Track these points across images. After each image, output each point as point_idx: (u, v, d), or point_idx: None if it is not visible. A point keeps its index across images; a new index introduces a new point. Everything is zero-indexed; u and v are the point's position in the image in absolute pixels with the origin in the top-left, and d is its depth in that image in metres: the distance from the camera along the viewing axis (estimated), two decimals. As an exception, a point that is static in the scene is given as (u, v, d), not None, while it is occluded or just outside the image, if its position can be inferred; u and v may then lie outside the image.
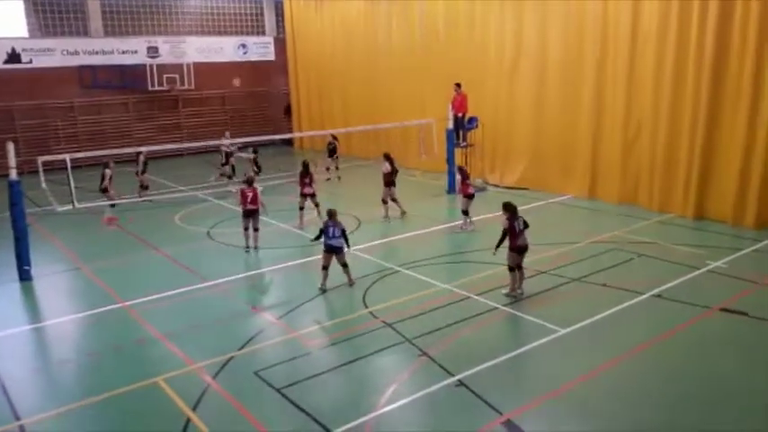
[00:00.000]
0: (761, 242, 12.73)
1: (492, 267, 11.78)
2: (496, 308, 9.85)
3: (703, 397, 7.28)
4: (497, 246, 10.23)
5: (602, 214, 15.69)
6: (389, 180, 15.64)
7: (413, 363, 8.22)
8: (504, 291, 10.36)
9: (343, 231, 10.81)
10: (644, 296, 10.09)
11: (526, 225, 10.23)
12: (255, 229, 13.29)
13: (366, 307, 10.12)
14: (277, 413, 7.21)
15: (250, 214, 13.19)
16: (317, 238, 11.06)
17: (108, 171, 16.33)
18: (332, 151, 21.19)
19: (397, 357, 8.44)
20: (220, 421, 7.05)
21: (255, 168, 19.54)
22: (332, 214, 10.92)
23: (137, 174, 18.88)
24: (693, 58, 14.30)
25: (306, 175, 15.17)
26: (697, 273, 11.10)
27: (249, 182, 13.34)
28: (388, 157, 15.90)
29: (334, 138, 21.40)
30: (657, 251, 12.35)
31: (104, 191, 16.34)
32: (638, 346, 8.49)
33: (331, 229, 10.72)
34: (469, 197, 14.40)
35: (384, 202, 15.68)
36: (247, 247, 13.32)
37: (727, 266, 11.37)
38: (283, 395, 7.50)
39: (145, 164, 18.86)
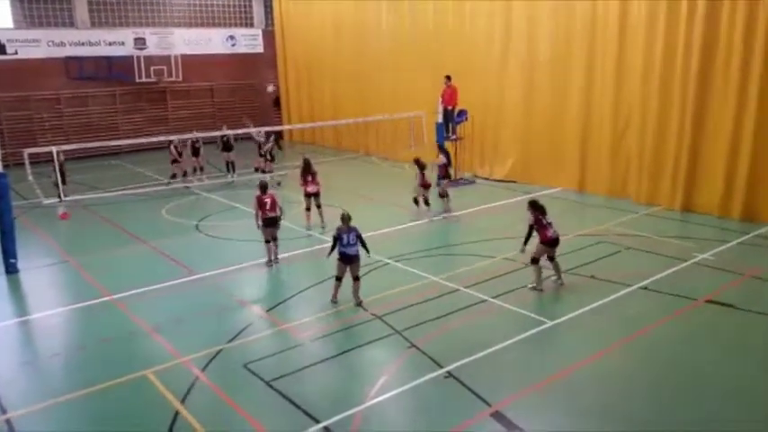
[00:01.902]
0: (747, 234, 12.86)
1: (480, 260, 11.84)
2: (485, 300, 9.89)
3: (689, 388, 7.36)
4: (525, 242, 10.24)
5: (591, 207, 15.78)
6: (445, 173, 15.31)
7: (402, 354, 8.25)
8: (531, 285, 10.29)
9: (360, 237, 9.86)
10: (631, 288, 10.17)
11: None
12: (274, 239, 11.92)
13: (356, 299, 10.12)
14: (266, 405, 7.22)
15: (271, 223, 11.76)
16: (332, 249, 9.91)
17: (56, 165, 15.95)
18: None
19: (386, 349, 8.47)
20: (209, 414, 7.04)
21: (268, 156, 19.07)
22: (345, 219, 9.86)
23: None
24: (682, 51, 14.37)
25: (307, 172, 14.23)
26: (684, 265, 11.20)
27: (263, 187, 11.86)
28: (444, 150, 15.54)
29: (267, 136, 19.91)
30: (645, 244, 12.45)
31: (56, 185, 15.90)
32: (625, 338, 8.56)
33: (345, 236, 9.71)
34: (426, 187, 14.89)
35: (442, 195, 15.22)
36: (269, 261, 11.93)
37: (714, 258, 11.47)
38: (272, 387, 7.50)
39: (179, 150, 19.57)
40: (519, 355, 8.20)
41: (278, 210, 11.81)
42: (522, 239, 10.30)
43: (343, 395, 7.37)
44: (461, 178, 19.11)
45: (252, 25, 31.10)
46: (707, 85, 14.09)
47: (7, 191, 11.86)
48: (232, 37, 30.17)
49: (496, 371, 7.79)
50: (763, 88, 13.17)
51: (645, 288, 10.19)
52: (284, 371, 7.87)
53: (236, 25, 30.64)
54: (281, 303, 10.19)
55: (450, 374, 7.63)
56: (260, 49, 30.99)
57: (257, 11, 31.18)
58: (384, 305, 9.79)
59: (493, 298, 9.95)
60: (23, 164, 13.01)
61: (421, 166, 14.81)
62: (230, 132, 19.71)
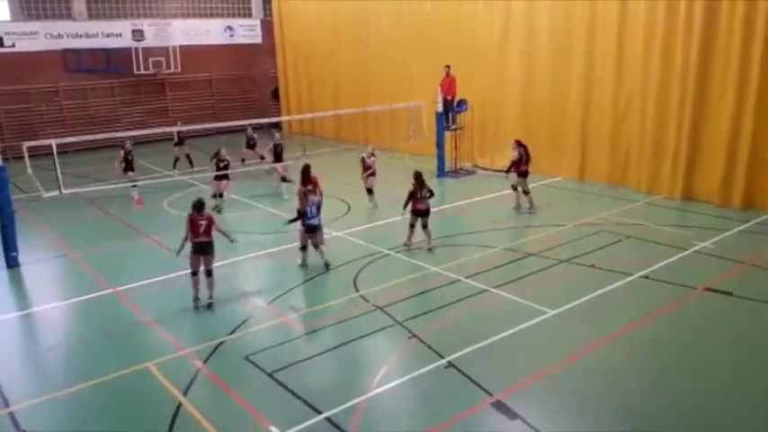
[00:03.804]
0: (747, 223, 12.86)
1: (481, 250, 11.86)
2: (486, 290, 9.91)
3: (689, 375, 7.38)
4: (405, 206, 11.92)
5: (592, 196, 15.77)
6: (515, 167, 14.04)
7: (403, 345, 8.27)
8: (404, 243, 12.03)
9: (319, 208, 11.20)
10: (632, 277, 10.19)
11: (431, 194, 11.89)
12: (209, 274, 9.64)
13: (357, 290, 10.14)
14: (268, 397, 7.24)
15: (201, 250, 9.53)
16: (296, 220, 11.20)
17: (121, 152, 16.79)
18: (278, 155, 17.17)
19: (387, 340, 8.49)
20: (211, 406, 7.07)
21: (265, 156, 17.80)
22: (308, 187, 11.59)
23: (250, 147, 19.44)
24: (682, 40, 14.31)
25: (307, 180, 12.30)
26: (684, 253, 11.21)
27: (198, 207, 9.53)
28: (520, 144, 14.13)
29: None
30: (645, 232, 12.45)
31: (125, 171, 16.72)
32: (625, 326, 8.58)
33: (308, 209, 10.93)
34: (373, 174, 15.30)
35: (523, 191, 14.20)
36: (197, 299, 9.67)
37: (714, 247, 11.48)
38: (274, 379, 7.53)
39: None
40: (520, 344, 8.22)
41: (213, 234, 9.63)
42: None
43: (344, 386, 7.39)
44: (462, 168, 19.09)
45: (250, 15, 30.94)
46: (706, 73, 14.05)
47: (6, 184, 11.84)
48: (230, 27, 30.04)
49: (497, 361, 7.82)
50: (763, 76, 13.12)
51: (645, 277, 10.20)
52: (285, 362, 7.89)
53: (234, 15, 30.49)
54: (282, 295, 10.20)
55: (451, 364, 7.65)
56: (258, 40, 30.85)
57: (255, 1, 31.02)
58: (385, 296, 9.80)
59: (494, 288, 9.97)
60: (23, 157, 12.94)
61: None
62: (184, 128, 19.98)
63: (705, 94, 14.18)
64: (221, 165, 15.25)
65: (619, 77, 15.87)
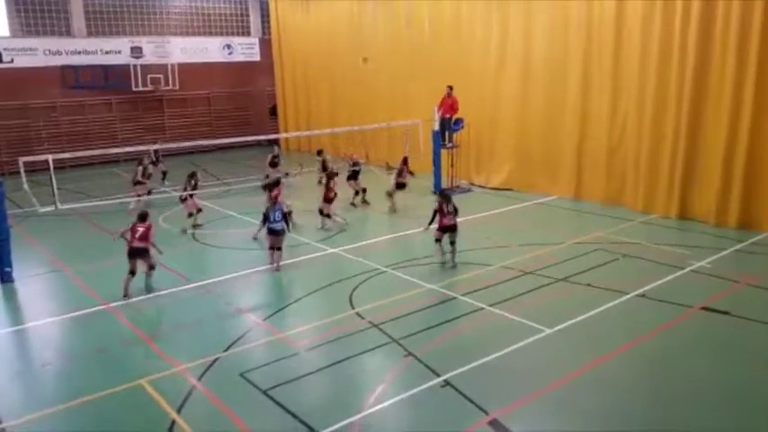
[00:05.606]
0: (743, 242, 12.88)
1: (477, 268, 11.84)
2: (482, 308, 9.88)
3: (686, 395, 7.35)
4: (429, 223, 12.03)
5: (588, 215, 15.80)
6: (399, 182, 16.58)
7: (399, 363, 8.22)
8: (438, 260, 11.97)
9: (284, 214, 11.85)
10: (628, 296, 10.17)
11: (456, 210, 11.91)
12: (131, 273, 10.77)
13: (353, 308, 10.10)
14: (263, 415, 7.17)
15: (135, 254, 10.76)
16: (262, 226, 12.18)
17: (140, 168, 17.46)
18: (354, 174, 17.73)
19: (383, 358, 8.44)
20: (205, 423, 7.00)
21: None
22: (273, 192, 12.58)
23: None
24: (677, 61, 14.43)
25: (271, 188, 13.23)
26: (680, 273, 11.21)
27: (142, 217, 10.99)
28: (404, 161, 16.88)
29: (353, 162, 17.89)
30: (641, 251, 12.46)
31: (136, 184, 17.38)
32: (622, 345, 8.55)
33: (272, 214, 11.65)
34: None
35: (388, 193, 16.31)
36: (126, 294, 10.64)
37: (710, 266, 11.49)
38: (269, 396, 7.46)
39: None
40: (517, 363, 8.18)
41: (150, 242, 10.85)
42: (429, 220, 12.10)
43: (340, 404, 7.33)
44: (458, 186, 19.14)
45: (249, 34, 31.19)
46: (702, 94, 14.16)
47: (2, 199, 11.82)
48: (229, 45, 30.27)
49: (494, 379, 7.77)
50: (758, 97, 13.23)
51: (642, 296, 10.19)
52: (281, 380, 7.83)
53: (232, 34, 30.73)
54: (277, 312, 10.16)
55: (447, 383, 7.60)
56: (257, 58, 31.08)
57: (254, 19, 31.29)
58: (381, 313, 9.76)
59: (490, 306, 9.94)
60: (19, 172, 12.93)
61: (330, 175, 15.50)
62: (162, 146, 20.33)
63: (700, 115, 14.27)
64: (198, 186, 15.58)
65: (615, 97, 15.99)
